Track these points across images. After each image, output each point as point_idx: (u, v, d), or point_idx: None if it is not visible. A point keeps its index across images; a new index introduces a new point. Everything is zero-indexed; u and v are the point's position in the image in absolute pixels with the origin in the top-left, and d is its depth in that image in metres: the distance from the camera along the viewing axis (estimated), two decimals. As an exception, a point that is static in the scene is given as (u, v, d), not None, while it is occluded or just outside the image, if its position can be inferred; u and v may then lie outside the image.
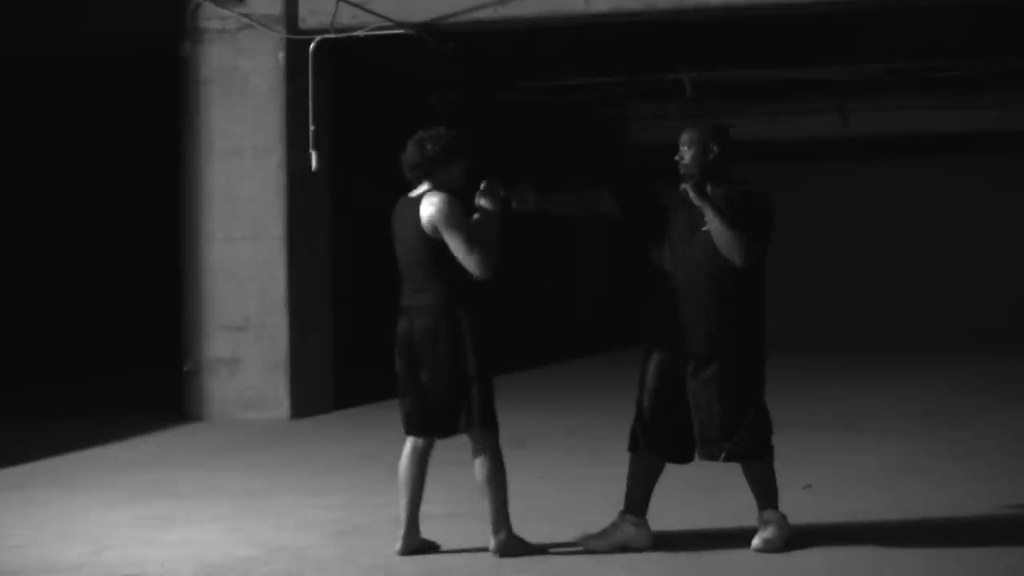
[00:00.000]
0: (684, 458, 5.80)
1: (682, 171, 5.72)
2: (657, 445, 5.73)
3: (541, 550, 5.71)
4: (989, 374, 13.27)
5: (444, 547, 5.83)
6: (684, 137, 5.74)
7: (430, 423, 5.67)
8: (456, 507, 6.68)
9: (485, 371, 5.58)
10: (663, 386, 5.69)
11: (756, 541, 5.68)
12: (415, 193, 5.69)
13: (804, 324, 18.76)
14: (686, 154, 5.70)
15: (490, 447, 5.63)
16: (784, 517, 5.77)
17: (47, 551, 5.87)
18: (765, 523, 5.74)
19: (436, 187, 5.63)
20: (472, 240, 5.49)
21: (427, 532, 5.99)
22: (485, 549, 5.73)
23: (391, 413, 10.79)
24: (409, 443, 5.77)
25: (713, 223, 5.53)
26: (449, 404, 5.59)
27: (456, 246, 5.49)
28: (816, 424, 9.68)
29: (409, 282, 5.69)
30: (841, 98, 16.76)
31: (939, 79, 14.52)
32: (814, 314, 19.59)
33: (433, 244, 5.54)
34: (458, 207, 5.54)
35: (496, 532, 5.68)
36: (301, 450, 8.91)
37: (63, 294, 13.77)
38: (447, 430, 5.66)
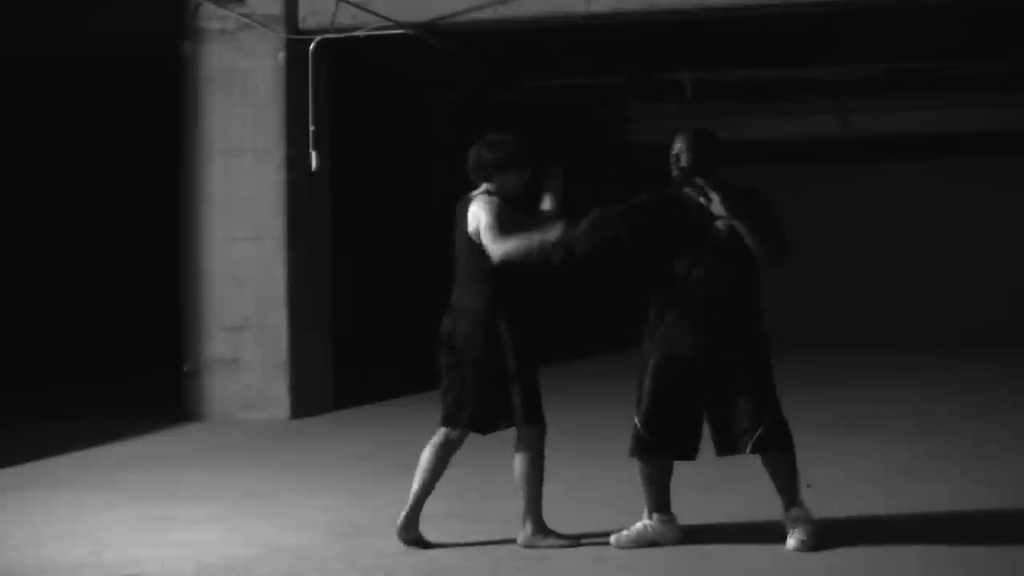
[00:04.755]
0: (692, 454, 5.83)
1: (676, 174, 5.79)
2: (669, 445, 5.77)
3: (571, 543, 5.75)
4: (989, 374, 13.26)
5: (444, 547, 5.83)
6: (680, 143, 5.80)
7: (472, 418, 5.79)
8: (456, 507, 6.68)
9: (525, 370, 5.70)
10: (673, 386, 5.72)
11: (791, 542, 5.67)
12: (472, 194, 5.84)
13: (804, 324, 18.75)
14: (684, 158, 5.76)
15: (532, 443, 5.76)
16: (810, 511, 5.79)
17: (47, 551, 5.87)
18: (794, 521, 5.73)
19: (496, 191, 5.78)
20: (500, 231, 5.63)
21: (427, 532, 5.99)
22: (485, 549, 5.76)
23: (391, 413, 10.88)
24: (442, 433, 5.87)
25: (752, 237, 5.65)
26: (489, 402, 5.73)
27: (484, 231, 5.65)
28: (816, 424, 9.66)
29: (458, 282, 5.86)
30: (841, 98, 16.75)
31: (939, 79, 14.51)
32: (814, 314, 19.59)
33: (477, 246, 5.71)
34: (501, 208, 5.69)
35: (524, 525, 5.80)
36: (301, 450, 8.91)
37: (63, 294, 13.76)
38: (487, 427, 5.81)
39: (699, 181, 5.73)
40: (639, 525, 5.83)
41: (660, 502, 5.84)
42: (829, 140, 18.42)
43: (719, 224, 5.68)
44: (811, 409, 10.60)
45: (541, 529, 5.80)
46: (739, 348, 5.70)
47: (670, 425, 5.74)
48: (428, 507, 6.63)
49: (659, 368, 5.73)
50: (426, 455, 5.87)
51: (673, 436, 5.76)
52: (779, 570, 5.41)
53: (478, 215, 5.70)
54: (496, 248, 5.64)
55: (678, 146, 5.80)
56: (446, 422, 5.85)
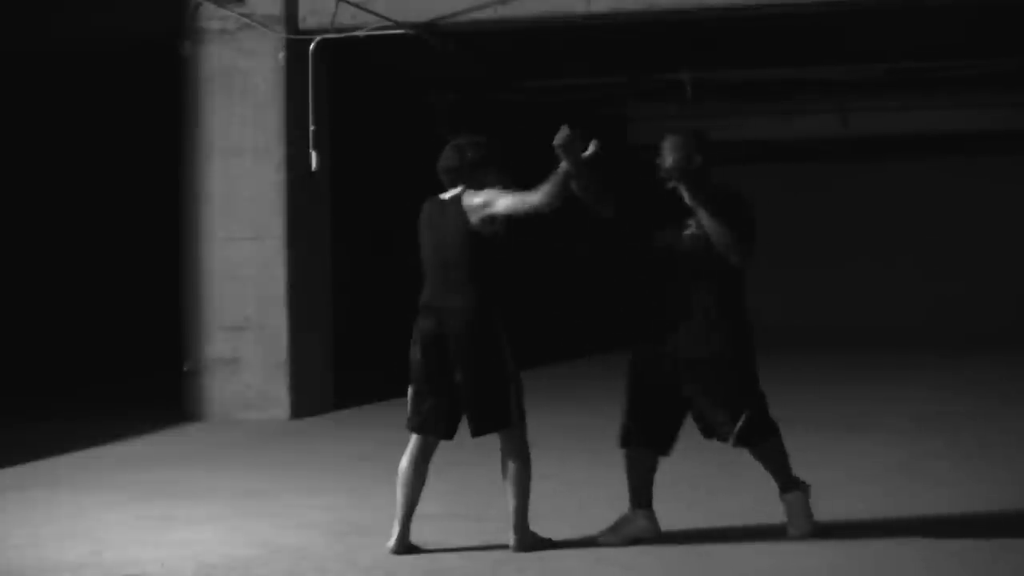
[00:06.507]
0: (666, 450, 5.89)
1: (663, 175, 5.79)
2: (650, 440, 5.82)
3: (558, 546, 5.76)
4: (991, 374, 13.25)
5: (444, 547, 5.83)
6: (668, 143, 5.80)
7: (453, 423, 5.69)
8: (456, 507, 6.68)
9: (517, 370, 5.66)
10: (652, 382, 5.78)
11: (788, 530, 5.82)
12: (448, 195, 5.70)
13: (804, 324, 18.76)
14: (668, 159, 5.76)
15: (519, 445, 5.68)
16: (803, 495, 5.86)
17: (47, 551, 5.87)
18: (789, 506, 5.85)
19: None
20: (519, 194, 5.49)
21: (427, 532, 5.99)
22: (484, 549, 5.75)
23: (391, 413, 10.84)
24: (417, 441, 5.75)
25: (711, 225, 5.63)
26: (484, 403, 5.59)
27: (509, 202, 5.48)
28: (816, 424, 9.67)
29: (440, 283, 5.64)
30: (841, 98, 16.75)
31: (939, 79, 14.51)
32: (814, 314, 19.58)
33: (474, 241, 5.55)
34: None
35: (515, 531, 5.71)
36: (301, 450, 8.91)
37: (63, 294, 13.76)
38: (481, 429, 5.64)
39: (678, 182, 5.73)
40: (620, 520, 5.87)
41: (642, 496, 5.86)
42: (829, 140, 18.42)
43: (691, 228, 5.69)
44: (811, 409, 10.61)
45: (527, 531, 5.74)
46: (715, 344, 5.69)
47: (655, 421, 5.79)
48: (428, 507, 6.63)
49: (644, 364, 5.79)
50: (407, 466, 5.72)
51: (658, 432, 5.80)
52: (779, 569, 5.41)
53: (481, 206, 5.52)
54: (536, 200, 5.42)
55: (664, 146, 5.80)
56: (421, 429, 5.71)
